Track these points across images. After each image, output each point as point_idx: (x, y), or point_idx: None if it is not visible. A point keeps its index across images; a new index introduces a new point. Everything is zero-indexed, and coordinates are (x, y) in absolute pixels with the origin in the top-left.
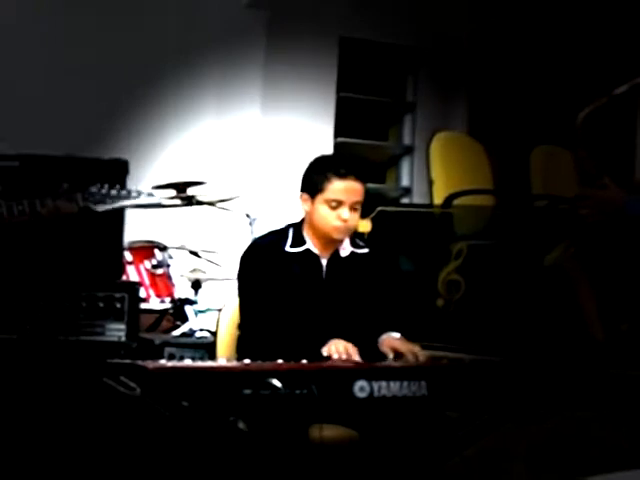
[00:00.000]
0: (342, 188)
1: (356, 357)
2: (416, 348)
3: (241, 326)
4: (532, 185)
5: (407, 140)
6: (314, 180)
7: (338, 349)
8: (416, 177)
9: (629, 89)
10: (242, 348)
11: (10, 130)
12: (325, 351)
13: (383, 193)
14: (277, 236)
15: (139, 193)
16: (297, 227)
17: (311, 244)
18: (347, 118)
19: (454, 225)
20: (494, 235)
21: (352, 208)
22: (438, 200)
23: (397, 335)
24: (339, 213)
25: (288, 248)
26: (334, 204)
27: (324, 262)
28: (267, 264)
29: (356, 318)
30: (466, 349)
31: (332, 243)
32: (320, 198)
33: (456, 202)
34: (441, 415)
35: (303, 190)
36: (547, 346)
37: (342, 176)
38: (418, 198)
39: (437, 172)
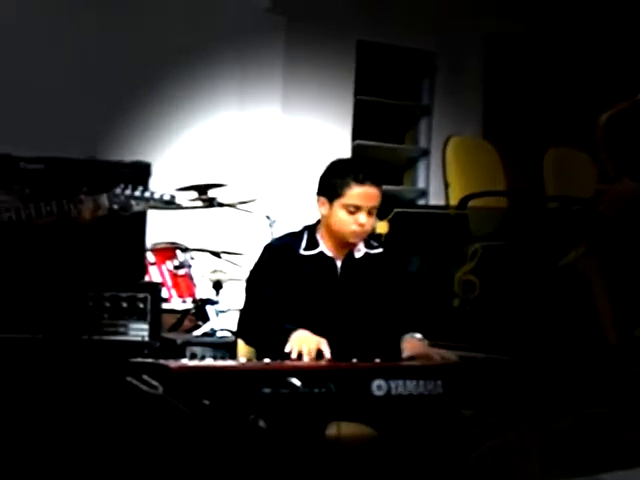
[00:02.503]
0: (360, 193)
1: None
2: (440, 352)
3: (240, 317)
4: (545, 187)
5: (423, 143)
6: (333, 185)
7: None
8: (432, 179)
9: None
10: (242, 338)
11: (32, 132)
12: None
13: (400, 195)
14: (292, 238)
15: (162, 195)
16: (311, 230)
17: (324, 247)
18: (364, 121)
19: (469, 226)
20: (508, 236)
21: (369, 213)
22: (453, 202)
23: (419, 336)
24: (357, 218)
25: (302, 251)
26: (352, 209)
27: (339, 264)
28: (280, 265)
29: (372, 318)
30: (481, 348)
31: (347, 245)
32: (338, 203)
33: (471, 204)
34: (456, 413)
35: (320, 194)
36: (561, 345)
37: (361, 182)
38: (434, 200)
39: (452, 174)
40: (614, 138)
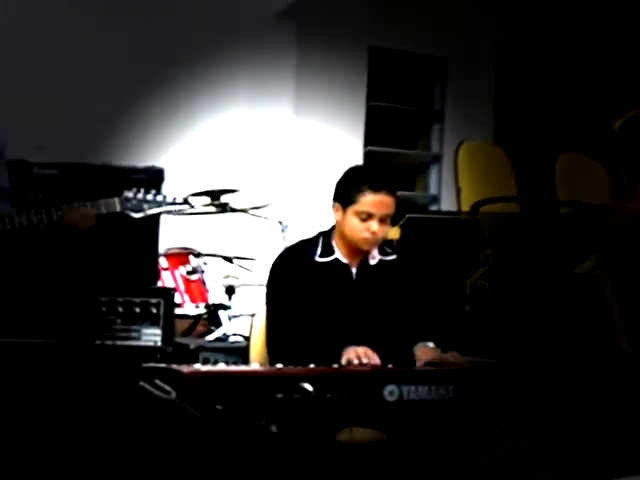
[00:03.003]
0: (374, 201)
1: (375, 360)
2: (453, 354)
3: (268, 333)
4: (557, 192)
5: (435, 148)
6: (347, 191)
7: (358, 353)
8: (444, 185)
9: None
10: (273, 354)
11: (43, 137)
12: (344, 359)
13: (412, 200)
14: (308, 245)
15: (174, 198)
16: (326, 236)
17: (340, 254)
18: (377, 127)
19: (481, 231)
20: (520, 242)
21: (382, 220)
22: (465, 207)
23: (431, 344)
24: (368, 225)
25: (317, 258)
26: (364, 216)
27: (353, 270)
28: (296, 273)
29: (386, 325)
30: (493, 353)
31: (361, 252)
32: (351, 209)
33: (483, 209)
34: (468, 418)
35: (336, 199)
36: (573, 351)
37: (375, 190)
38: (446, 205)
39: (464, 180)
40: (628, 144)
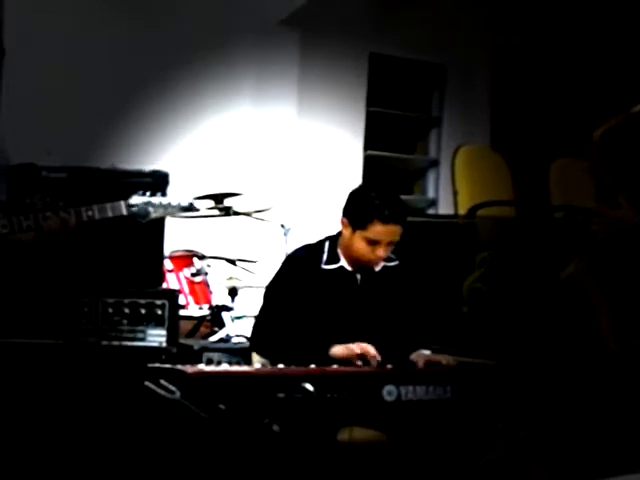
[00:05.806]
0: (383, 231)
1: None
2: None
3: (255, 327)
4: (551, 196)
5: (433, 153)
6: (357, 215)
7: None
8: (441, 189)
9: None
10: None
11: (50, 140)
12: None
13: (410, 204)
14: (314, 251)
15: (180, 202)
16: (332, 243)
17: (345, 262)
18: (376, 132)
19: (478, 235)
20: (515, 245)
21: (388, 244)
22: (462, 210)
23: (427, 352)
24: (375, 249)
25: (323, 265)
26: (372, 242)
27: (358, 277)
28: (301, 279)
29: (390, 330)
30: (489, 355)
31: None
32: (360, 233)
33: (479, 213)
34: (465, 418)
35: (345, 215)
36: (564, 353)
37: (385, 221)
38: (443, 209)
39: (461, 184)
40: (609, 154)
